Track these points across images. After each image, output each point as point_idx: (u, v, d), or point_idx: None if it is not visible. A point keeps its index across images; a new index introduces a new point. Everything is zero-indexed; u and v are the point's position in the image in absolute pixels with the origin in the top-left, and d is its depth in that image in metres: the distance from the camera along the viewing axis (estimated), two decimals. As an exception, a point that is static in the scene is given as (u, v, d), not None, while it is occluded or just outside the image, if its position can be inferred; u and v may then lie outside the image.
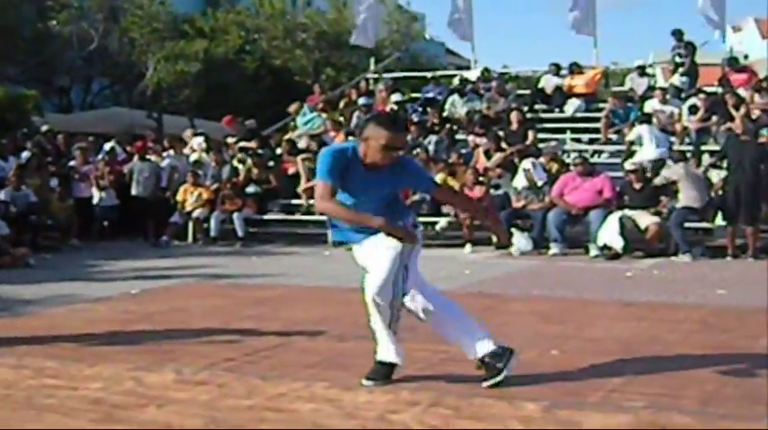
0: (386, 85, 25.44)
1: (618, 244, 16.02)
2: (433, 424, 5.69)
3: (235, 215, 19.06)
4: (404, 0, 42.79)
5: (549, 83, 24.61)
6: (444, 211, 18.22)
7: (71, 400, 6.28)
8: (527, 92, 25.74)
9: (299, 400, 6.23)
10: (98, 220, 20.13)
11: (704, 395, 6.35)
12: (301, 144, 21.79)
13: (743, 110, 18.81)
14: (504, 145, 19.95)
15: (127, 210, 20.25)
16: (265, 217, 19.80)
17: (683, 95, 22.30)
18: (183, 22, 36.06)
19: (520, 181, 17.94)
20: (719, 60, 24.15)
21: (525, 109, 22.86)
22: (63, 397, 6.38)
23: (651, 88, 23.21)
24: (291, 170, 20.25)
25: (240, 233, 18.92)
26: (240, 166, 20.63)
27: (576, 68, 24.50)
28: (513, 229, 17.01)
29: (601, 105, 23.22)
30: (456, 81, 25.74)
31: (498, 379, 6.64)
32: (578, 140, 22.29)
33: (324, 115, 23.63)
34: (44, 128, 23.46)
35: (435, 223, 18.46)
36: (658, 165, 18.75)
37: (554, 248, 16.62)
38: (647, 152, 19.51)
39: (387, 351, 6.83)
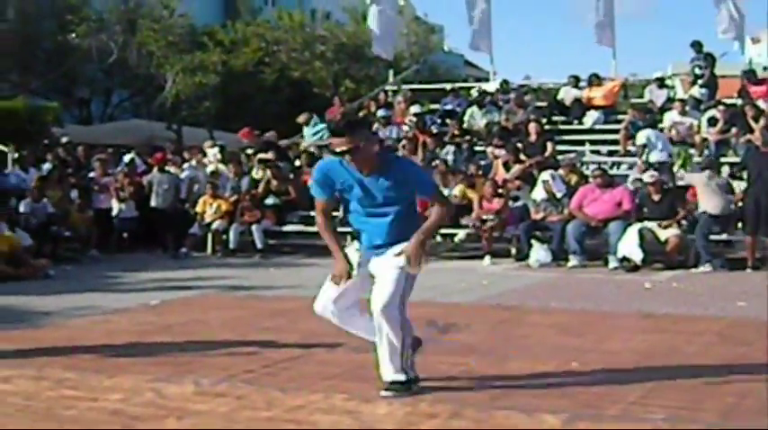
0: (405, 97, 25.47)
1: (637, 256, 15.95)
2: (452, 436, 5.69)
3: (254, 227, 19.05)
4: (422, 12, 42.86)
5: (567, 95, 24.59)
6: (463, 223, 18.19)
7: (91, 412, 6.30)
8: (546, 104, 25.70)
9: (318, 412, 6.23)
10: (117, 232, 20.16)
11: (724, 407, 6.33)
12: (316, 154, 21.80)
13: (762, 121, 18.71)
14: (522, 157, 19.93)
15: (146, 221, 20.26)
16: (284, 228, 19.79)
17: (702, 107, 22.26)
18: (203, 35, 36.18)
19: (539, 193, 17.90)
20: (738, 72, 24.10)
21: (544, 121, 22.83)
22: (83, 408, 6.40)
23: (670, 100, 23.16)
24: (310, 182, 20.23)
25: (259, 245, 18.92)
26: (258, 175, 20.65)
27: (595, 80, 24.45)
28: (532, 241, 16.98)
29: (620, 117, 23.15)
30: (475, 93, 25.71)
31: None
32: (597, 152, 22.24)
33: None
34: (64, 139, 23.54)
35: (454, 235, 18.45)
36: (664, 167, 18.84)
37: (573, 260, 16.56)
38: (654, 155, 19.63)
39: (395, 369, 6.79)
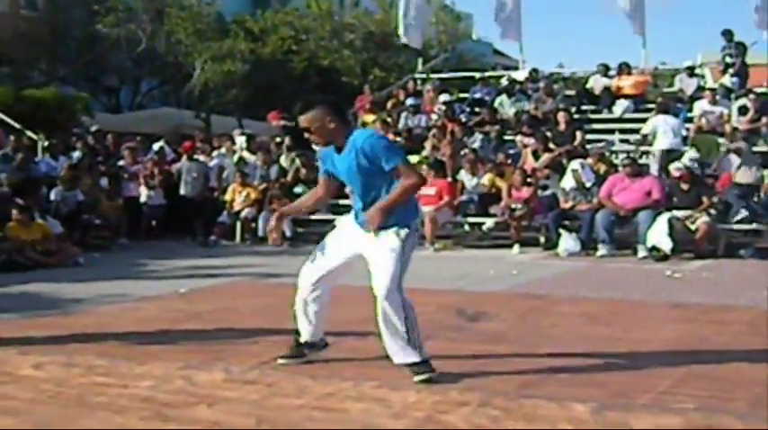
0: (434, 86, 25.45)
1: (667, 245, 15.90)
2: (481, 424, 5.69)
3: (283, 215, 19.06)
4: (450, 0, 42.71)
5: (597, 83, 24.51)
6: (492, 212, 18.19)
7: (121, 398, 6.33)
8: (575, 92, 25.62)
9: (348, 400, 6.25)
10: (146, 220, 20.25)
11: (754, 397, 6.31)
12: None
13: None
14: (551, 145, 19.89)
15: (174, 209, 20.33)
16: (313, 217, 19.80)
17: (732, 96, 22.15)
18: (233, 23, 36.22)
19: (568, 182, 17.86)
20: (768, 61, 24.02)
21: (573, 109, 22.77)
22: (113, 395, 6.43)
23: (700, 89, 23.09)
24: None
25: (288, 233, 18.91)
26: (286, 163, 20.68)
27: (625, 68, 24.34)
28: (561, 230, 16.96)
29: (649, 106, 23.07)
30: (504, 81, 25.65)
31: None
32: (627, 141, 22.17)
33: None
34: (94, 128, 23.63)
35: (482, 224, 18.44)
36: (673, 155, 18.90)
37: (602, 249, 16.52)
38: (661, 142, 19.70)
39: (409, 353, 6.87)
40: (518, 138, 21.48)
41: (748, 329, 9.06)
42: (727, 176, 17.69)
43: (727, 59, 23.79)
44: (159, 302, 11.17)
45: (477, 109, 24.46)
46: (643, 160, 20.01)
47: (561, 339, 8.51)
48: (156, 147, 22.35)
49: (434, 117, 23.29)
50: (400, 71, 34.99)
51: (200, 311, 10.37)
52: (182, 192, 20.17)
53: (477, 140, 21.20)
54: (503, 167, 19.14)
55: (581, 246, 16.68)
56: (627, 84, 24.02)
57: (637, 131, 22.07)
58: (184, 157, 20.80)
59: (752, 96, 21.00)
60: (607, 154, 19.88)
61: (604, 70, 24.66)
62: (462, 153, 19.99)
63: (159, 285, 12.79)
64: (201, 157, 21.35)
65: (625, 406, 6.08)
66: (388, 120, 23.47)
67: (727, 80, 23.29)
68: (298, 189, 19.84)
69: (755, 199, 17.23)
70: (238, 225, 19.81)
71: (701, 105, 21.56)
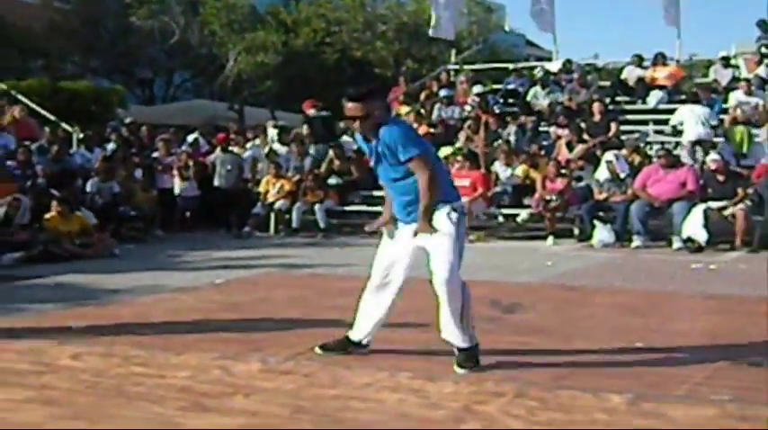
0: (467, 77, 25.41)
1: (702, 236, 15.85)
2: (518, 415, 5.69)
3: (316, 206, 19.12)
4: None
5: (631, 74, 24.42)
6: (526, 203, 18.18)
7: (159, 388, 6.37)
8: (609, 83, 25.54)
9: (385, 390, 6.26)
10: (180, 211, 20.32)
11: (791, 388, 6.30)
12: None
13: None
14: (585, 136, 19.85)
15: (208, 201, 20.40)
16: (347, 208, 19.84)
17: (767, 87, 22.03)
18: (266, 14, 36.28)
19: (602, 173, 17.82)
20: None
21: (607, 100, 22.71)
22: (151, 385, 6.46)
23: (735, 79, 22.97)
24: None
25: (322, 224, 18.98)
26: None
27: (660, 59, 24.22)
28: (595, 221, 16.92)
29: (684, 97, 22.95)
30: (538, 72, 25.59)
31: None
32: (661, 132, 22.09)
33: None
34: (128, 120, 23.74)
35: (517, 215, 18.42)
36: (704, 146, 19.01)
37: (636, 241, 16.48)
38: (689, 133, 19.70)
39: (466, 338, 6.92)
40: (552, 129, 21.44)
41: (784, 321, 9.03)
42: (762, 167, 17.59)
43: (763, 50, 23.67)
44: (195, 293, 11.22)
45: (510, 100, 24.42)
46: (677, 151, 19.95)
47: (596, 330, 8.51)
48: (190, 138, 22.43)
49: (467, 108, 23.25)
50: (433, 62, 34.96)
51: (236, 302, 10.42)
52: (216, 183, 20.24)
53: (511, 132, 21.16)
54: (537, 159, 19.12)
55: (615, 237, 16.64)
56: (661, 75, 23.90)
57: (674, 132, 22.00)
58: (218, 149, 20.85)
59: (787, 86, 20.90)
60: (641, 145, 19.81)
61: (638, 61, 24.58)
62: (496, 144, 19.98)
63: (194, 276, 12.84)
64: (235, 149, 21.40)
65: (661, 397, 6.07)
66: (422, 111, 23.46)
67: (762, 71, 23.15)
68: (332, 180, 19.87)
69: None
70: (272, 216, 19.86)
71: (736, 96, 21.47)
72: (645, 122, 22.98)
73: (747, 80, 22.00)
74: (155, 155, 21.11)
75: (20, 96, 23.11)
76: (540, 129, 22.12)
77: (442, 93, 24.33)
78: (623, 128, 21.29)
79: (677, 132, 20.45)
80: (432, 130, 22.05)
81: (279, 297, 10.79)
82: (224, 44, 34.17)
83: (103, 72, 34.99)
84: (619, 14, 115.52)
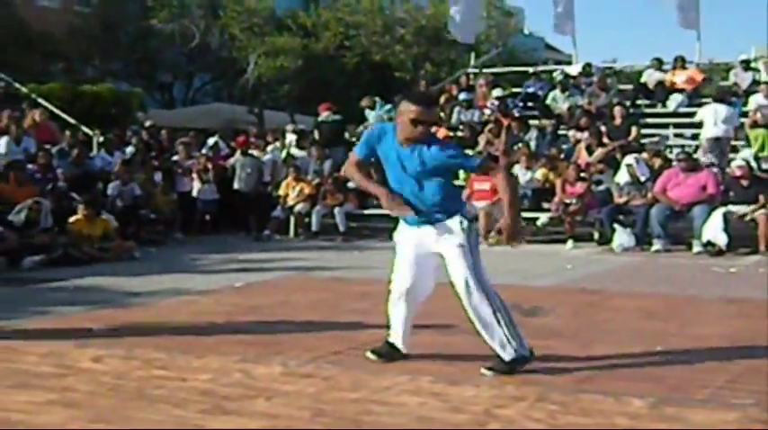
0: (486, 81, 25.38)
1: (722, 240, 15.81)
2: (539, 419, 5.69)
3: (336, 210, 19.14)
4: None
5: (650, 77, 24.37)
6: (546, 207, 18.16)
7: (180, 391, 6.38)
8: (629, 87, 25.49)
9: (405, 394, 6.26)
10: (200, 214, 20.35)
11: (813, 393, 6.28)
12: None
13: None
14: (605, 140, 19.82)
15: (228, 204, 20.44)
16: (366, 211, 19.84)
17: (788, 91, 21.96)
18: (286, 18, 36.35)
19: (622, 176, 17.79)
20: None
21: (627, 104, 22.67)
22: (172, 388, 6.48)
23: (755, 83, 22.91)
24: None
25: (341, 228, 19.00)
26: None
27: (680, 62, 24.14)
28: (615, 225, 16.90)
29: (704, 100, 22.91)
30: (558, 76, 25.56)
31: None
32: (681, 136, 22.04)
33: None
34: (148, 123, 23.80)
35: (536, 219, 18.40)
36: (722, 143, 19.21)
37: (657, 244, 16.45)
38: (707, 131, 19.81)
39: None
40: (571, 133, 21.42)
41: (806, 325, 9.00)
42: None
43: (783, 53, 23.59)
44: (215, 296, 11.24)
45: (530, 103, 24.40)
46: (698, 154, 19.93)
47: (617, 334, 8.50)
48: (210, 142, 22.49)
49: (487, 112, 23.24)
50: (452, 66, 34.98)
51: (256, 305, 10.43)
52: (236, 186, 20.27)
53: (532, 136, 21.15)
54: (556, 162, 19.10)
55: (635, 241, 16.62)
56: (681, 78, 23.84)
57: (691, 126, 21.96)
58: (238, 152, 20.89)
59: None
60: (662, 148, 19.78)
61: (658, 64, 24.52)
62: (516, 148, 19.97)
63: (215, 279, 12.87)
64: (255, 152, 21.44)
65: (682, 401, 6.06)
66: (441, 114, 23.47)
67: (782, 74, 23.10)
68: (351, 184, 19.87)
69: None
70: (292, 220, 19.89)
71: (756, 99, 21.42)
72: (665, 126, 22.96)
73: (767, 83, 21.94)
74: (175, 158, 21.16)
75: (40, 100, 23.24)
76: (560, 132, 22.10)
77: (462, 96, 24.32)
78: (643, 131, 21.26)
79: (697, 136, 20.42)
80: (451, 134, 22.06)
81: (299, 300, 10.80)
82: (244, 48, 34.24)
83: (124, 76, 35.10)
84: (638, 18, 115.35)
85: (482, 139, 20.98)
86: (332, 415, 5.81)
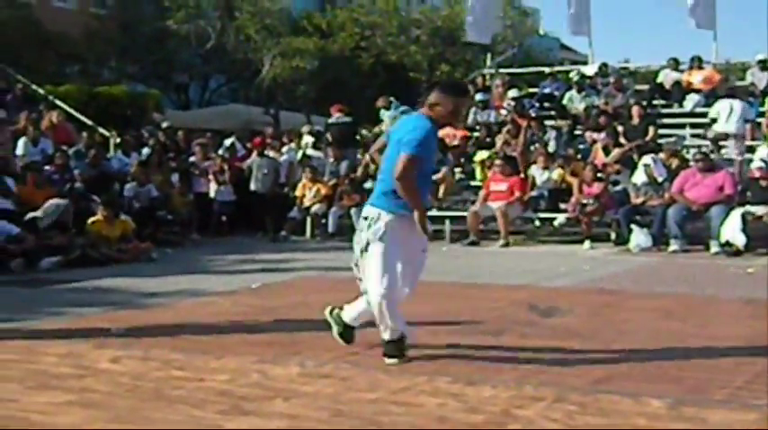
0: (502, 81, 25.36)
1: (740, 240, 15.75)
2: (557, 419, 5.67)
3: (353, 210, 19.09)
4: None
5: (667, 78, 24.31)
6: (562, 207, 18.14)
7: (199, 392, 6.39)
8: (645, 87, 25.44)
9: (423, 394, 6.26)
10: (216, 215, 20.38)
11: (832, 394, 6.26)
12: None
13: None
14: (622, 140, 19.79)
15: (245, 205, 20.47)
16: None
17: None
18: (302, 19, 36.39)
19: (639, 177, 17.76)
20: None
21: (644, 104, 22.63)
22: (191, 388, 6.49)
23: (773, 82, 22.86)
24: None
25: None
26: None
27: (697, 62, 24.08)
28: (632, 225, 16.86)
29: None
30: (574, 76, 25.52)
31: None
32: (698, 136, 22.00)
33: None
34: (164, 124, 23.85)
35: (554, 219, 18.39)
36: (730, 138, 19.54)
37: (674, 245, 16.40)
38: (720, 126, 20.09)
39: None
40: (588, 133, 21.38)
41: (824, 325, 8.97)
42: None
43: (800, 53, 23.52)
44: (232, 297, 11.26)
45: (546, 104, 24.38)
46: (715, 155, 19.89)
47: (635, 335, 8.48)
48: (227, 143, 22.53)
49: (503, 112, 23.22)
50: (467, 66, 34.97)
51: (273, 306, 10.44)
52: (252, 187, 20.28)
53: (551, 137, 21.14)
54: (573, 163, 19.08)
55: (653, 241, 16.58)
56: (697, 78, 23.77)
57: (707, 125, 21.91)
58: (255, 153, 20.91)
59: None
60: (680, 149, 19.75)
61: (675, 64, 24.46)
62: (532, 148, 19.95)
63: (231, 280, 12.89)
64: (272, 153, 21.47)
65: (701, 401, 6.04)
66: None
67: (800, 73, 23.04)
68: (368, 184, 19.86)
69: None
70: (308, 220, 19.90)
71: (773, 99, 21.38)
72: (681, 126, 22.89)
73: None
74: (192, 159, 21.20)
75: (57, 101, 23.32)
76: (576, 133, 22.07)
77: (478, 97, 24.30)
78: (659, 131, 21.21)
79: (714, 140, 20.41)
80: (468, 134, 22.08)
81: (316, 301, 10.75)
82: (259, 49, 34.26)
83: (140, 77, 35.16)
84: (654, 17, 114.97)
85: (499, 140, 20.96)
86: (350, 415, 5.81)
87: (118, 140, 21.73)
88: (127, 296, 11.52)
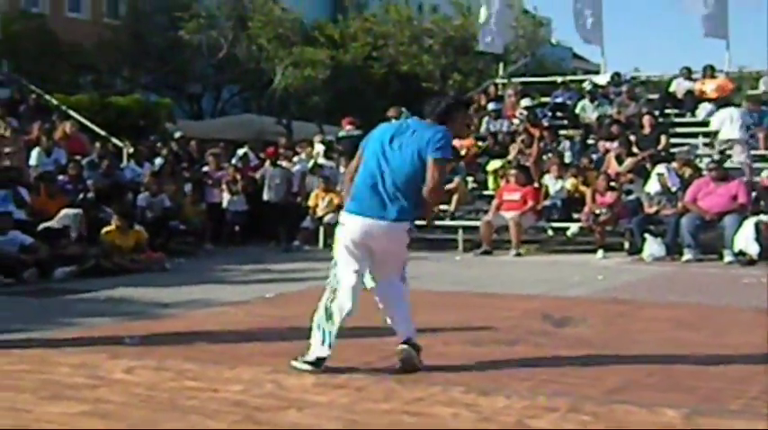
0: (515, 90, 25.35)
1: (754, 250, 15.72)
2: (571, 429, 5.67)
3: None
4: (530, 5, 42.56)
5: (680, 87, 24.28)
6: (575, 217, 18.13)
7: (212, 402, 6.39)
8: (656, 96, 25.40)
9: (437, 405, 6.25)
10: (229, 225, 20.40)
11: None
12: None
13: None
14: (635, 150, 19.77)
15: (257, 215, 20.48)
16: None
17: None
18: (313, 29, 36.41)
19: (652, 186, 17.73)
20: None
21: (656, 113, 22.60)
22: (204, 399, 6.49)
23: (787, 91, 22.85)
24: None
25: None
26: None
27: (709, 71, 24.04)
28: (646, 235, 16.84)
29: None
30: (586, 86, 25.50)
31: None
32: (710, 145, 21.97)
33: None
34: (177, 134, 23.89)
35: (567, 228, 18.36)
36: (736, 144, 19.59)
37: (687, 254, 16.37)
38: (724, 133, 20.22)
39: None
40: (601, 142, 21.36)
41: (839, 335, 8.94)
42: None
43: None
44: (246, 307, 11.26)
45: (558, 113, 24.37)
46: (728, 164, 19.86)
47: (649, 344, 8.46)
48: (240, 152, 22.54)
49: (516, 122, 23.22)
50: (479, 76, 34.97)
51: (286, 316, 10.43)
52: (265, 197, 20.30)
53: (565, 146, 21.13)
54: (586, 172, 19.06)
55: (666, 250, 16.56)
56: (710, 87, 23.73)
57: (713, 135, 21.92)
58: (267, 163, 20.93)
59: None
60: (692, 158, 19.73)
61: (687, 73, 24.44)
62: (545, 158, 19.94)
63: (245, 290, 12.90)
64: (284, 163, 21.48)
65: (716, 411, 6.04)
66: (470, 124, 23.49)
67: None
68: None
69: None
70: (321, 230, 19.89)
71: (787, 108, 21.36)
72: (694, 135, 22.85)
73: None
74: (205, 169, 21.23)
75: (70, 111, 23.37)
76: (588, 142, 22.05)
77: (491, 106, 24.30)
78: (672, 141, 21.19)
79: (723, 151, 20.39)
80: (479, 143, 22.09)
81: (329, 311, 10.78)
82: (272, 59, 34.29)
83: (152, 87, 35.21)
84: (667, 27, 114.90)
85: (513, 149, 20.94)
86: (364, 425, 5.82)
87: (131, 150, 21.77)
88: (140, 306, 11.52)
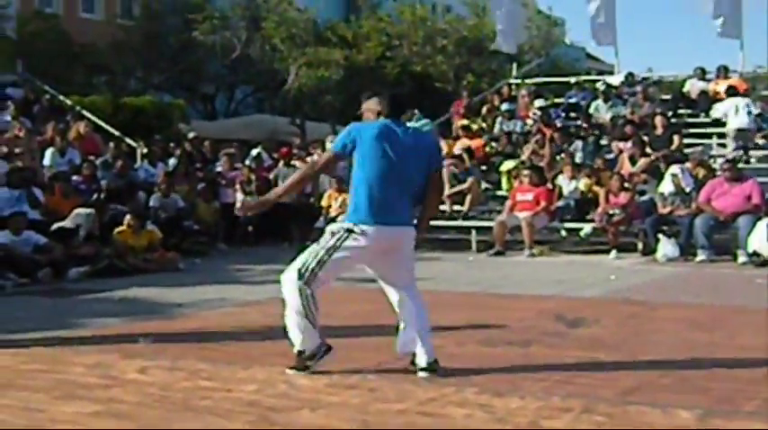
0: (528, 91, 25.34)
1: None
2: (585, 430, 5.67)
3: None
4: (544, 5, 42.53)
5: (693, 87, 24.25)
6: (589, 217, 18.10)
7: (226, 402, 6.39)
8: (670, 96, 25.36)
9: (451, 405, 6.24)
10: (243, 225, 20.41)
11: None
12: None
13: None
14: (648, 150, 19.74)
15: (271, 215, 20.45)
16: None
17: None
18: (326, 29, 36.40)
19: (666, 186, 17.69)
20: None
21: (669, 114, 22.56)
22: (218, 399, 6.49)
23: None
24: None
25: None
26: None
27: (723, 72, 24.01)
28: (659, 235, 16.81)
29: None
30: (600, 86, 25.48)
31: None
32: (724, 146, 21.93)
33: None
34: (191, 135, 23.92)
35: (580, 229, 18.33)
36: (745, 134, 19.98)
37: (701, 255, 16.34)
38: (732, 122, 20.40)
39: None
40: (614, 143, 21.32)
41: None
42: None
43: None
44: (260, 307, 11.26)
45: (572, 114, 24.34)
46: (742, 164, 19.82)
47: (663, 345, 8.44)
48: (253, 153, 22.56)
49: (529, 122, 23.21)
50: (493, 76, 34.93)
51: (300, 316, 10.41)
52: (278, 197, 20.27)
53: (578, 147, 21.10)
54: (600, 172, 19.03)
55: (680, 251, 16.51)
56: (724, 88, 23.67)
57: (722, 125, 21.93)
58: (281, 163, 20.94)
59: None
60: (706, 158, 19.69)
61: (701, 74, 24.40)
62: (559, 158, 19.92)
63: (259, 290, 12.88)
64: (298, 163, 21.47)
65: (730, 412, 6.02)
66: (483, 125, 23.49)
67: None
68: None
69: None
70: (334, 230, 19.85)
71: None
72: (708, 136, 22.81)
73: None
74: (218, 169, 21.25)
75: (84, 112, 23.44)
76: (602, 142, 22.02)
77: (504, 107, 24.31)
78: (686, 141, 21.15)
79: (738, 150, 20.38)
80: (493, 144, 22.09)
81: (343, 311, 10.77)
82: (285, 59, 34.29)
83: (166, 87, 35.24)
84: (680, 27, 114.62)
85: (527, 150, 20.93)
86: (377, 426, 5.81)
87: (145, 150, 21.81)
88: (154, 306, 11.55)
